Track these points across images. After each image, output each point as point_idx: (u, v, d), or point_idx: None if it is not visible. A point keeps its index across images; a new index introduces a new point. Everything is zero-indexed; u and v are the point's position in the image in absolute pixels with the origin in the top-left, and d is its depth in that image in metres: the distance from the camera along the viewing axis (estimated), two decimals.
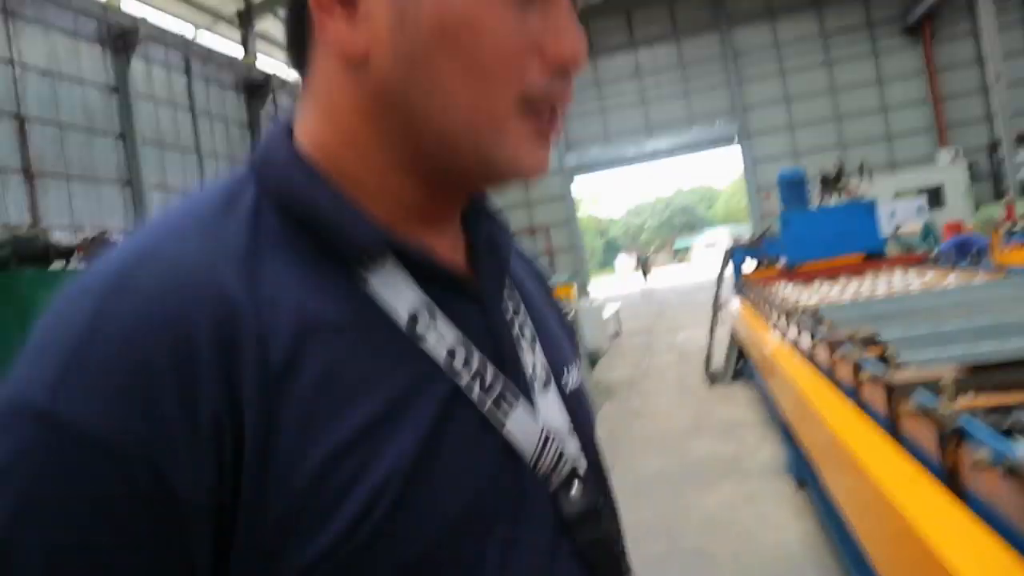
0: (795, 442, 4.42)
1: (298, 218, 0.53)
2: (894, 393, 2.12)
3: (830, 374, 3.16)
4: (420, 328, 0.54)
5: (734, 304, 8.07)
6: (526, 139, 0.54)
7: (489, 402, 0.55)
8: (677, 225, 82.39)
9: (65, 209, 13.47)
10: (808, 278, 7.05)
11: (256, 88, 19.70)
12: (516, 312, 0.64)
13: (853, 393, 2.72)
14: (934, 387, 1.97)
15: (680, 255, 70.42)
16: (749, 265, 9.37)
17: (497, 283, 0.62)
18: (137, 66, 15.78)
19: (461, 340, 0.55)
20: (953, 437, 1.70)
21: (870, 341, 2.93)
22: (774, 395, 4.52)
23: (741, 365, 8.15)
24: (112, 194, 14.77)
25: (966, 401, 1.85)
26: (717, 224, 78.04)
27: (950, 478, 1.73)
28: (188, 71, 17.75)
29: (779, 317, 5.01)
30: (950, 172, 20.52)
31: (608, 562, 0.60)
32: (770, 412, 5.91)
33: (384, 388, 0.51)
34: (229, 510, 0.46)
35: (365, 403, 0.50)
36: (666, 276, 41.64)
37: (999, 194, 19.42)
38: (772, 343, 4.71)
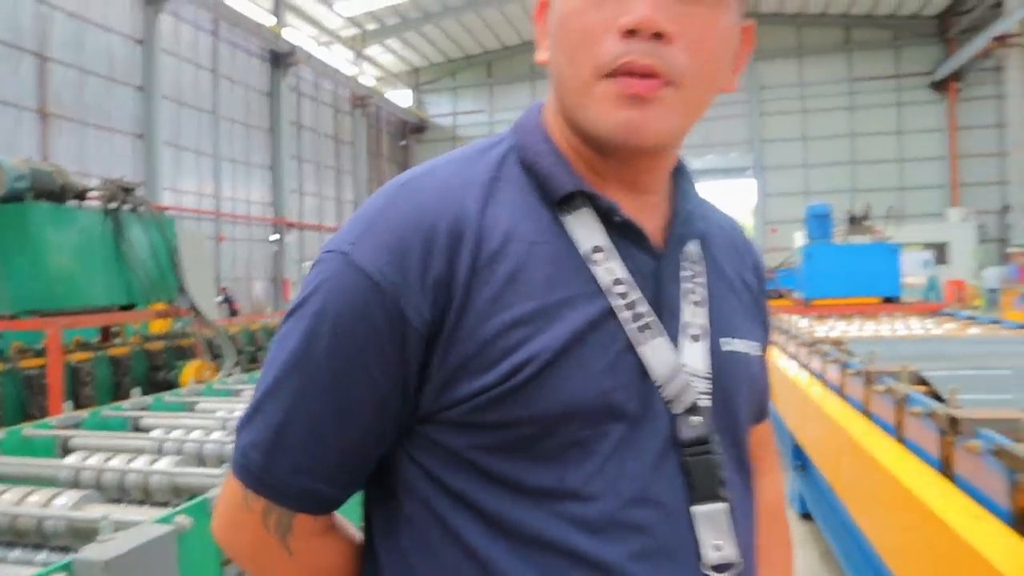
0: (805, 471, 4.35)
1: (528, 166, 0.77)
2: (956, 431, 2.05)
3: (863, 407, 3.10)
4: (596, 258, 0.73)
5: None
6: (605, 101, 0.69)
7: (634, 327, 0.71)
8: None
9: (76, 154, 13.32)
10: (822, 313, 7.00)
11: (280, 58, 19.60)
12: (694, 276, 0.79)
13: (892, 429, 2.66)
14: (1000, 426, 1.91)
15: None
16: None
17: (677, 247, 0.78)
18: (165, 21, 15.68)
19: (626, 276, 0.73)
20: None
21: (916, 378, 2.87)
22: (787, 424, 4.46)
23: None
24: (124, 144, 14.64)
25: None
26: None
27: (1019, 521, 1.67)
28: (216, 32, 17.65)
29: (797, 347, 4.95)
30: (959, 230, 20.58)
31: (707, 483, 0.71)
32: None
33: (556, 290, 0.70)
34: (433, 341, 0.69)
35: (539, 296, 0.70)
36: None
37: (1004, 257, 19.47)
38: (787, 372, 4.66)
